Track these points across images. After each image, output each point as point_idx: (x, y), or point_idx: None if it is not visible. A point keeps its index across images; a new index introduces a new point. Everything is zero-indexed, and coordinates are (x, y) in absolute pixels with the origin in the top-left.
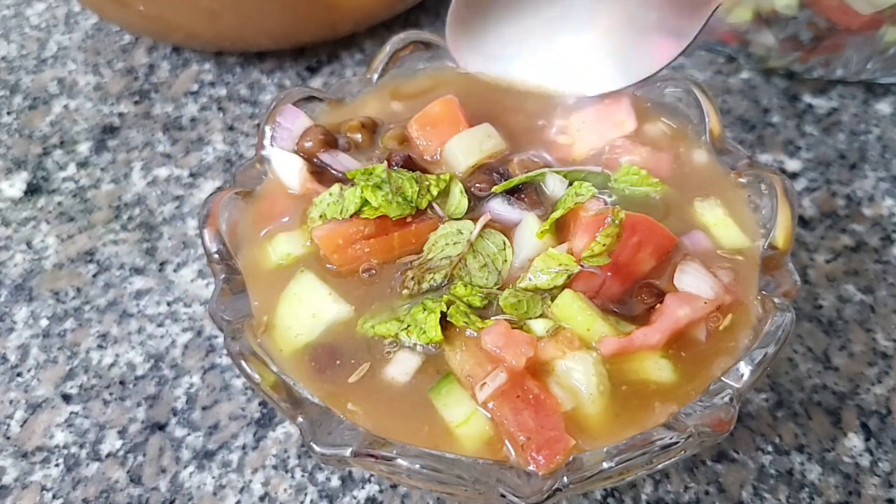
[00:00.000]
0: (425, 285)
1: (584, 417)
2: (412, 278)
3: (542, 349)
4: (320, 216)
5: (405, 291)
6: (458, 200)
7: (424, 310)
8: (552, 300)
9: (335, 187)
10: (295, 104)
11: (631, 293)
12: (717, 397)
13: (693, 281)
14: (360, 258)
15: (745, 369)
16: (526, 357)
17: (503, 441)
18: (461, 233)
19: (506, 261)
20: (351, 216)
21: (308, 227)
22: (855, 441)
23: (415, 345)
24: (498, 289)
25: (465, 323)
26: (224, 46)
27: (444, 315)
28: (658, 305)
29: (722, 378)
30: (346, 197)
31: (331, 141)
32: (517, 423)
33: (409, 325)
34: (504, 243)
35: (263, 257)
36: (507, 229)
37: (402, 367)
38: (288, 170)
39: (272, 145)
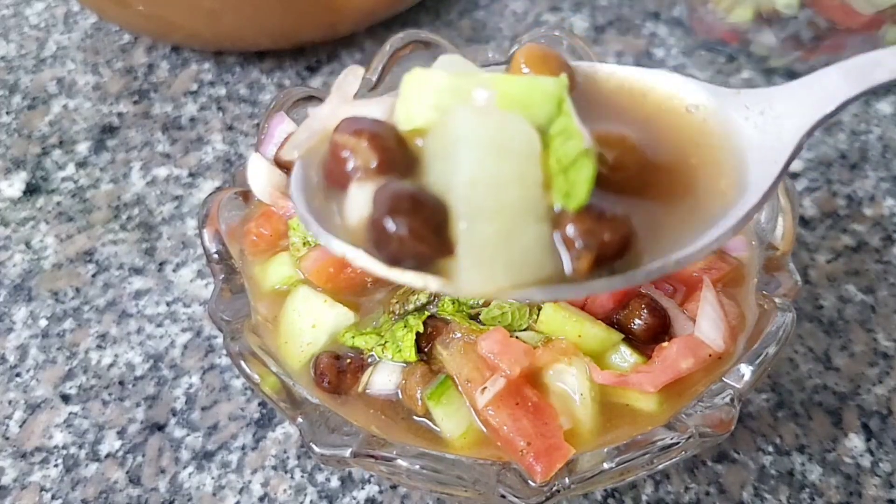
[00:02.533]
0: (410, 306)
1: (576, 423)
2: (396, 302)
3: (538, 356)
4: (304, 242)
5: (390, 315)
6: None
7: (405, 326)
8: (538, 311)
9: None
10: (294, 104)
11: (625, 305)
12: (718, 397)
13: (710, 329)
14: (354, 280)
15: (745, 370)
16: (520, 366)
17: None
18: None
19: None
20: None
21: (294, 255)
22: (856, 441)
23: (391, 359)
24: (484, 303)
25: (466, 327)
26: (224, 46)
27: (419, 335)
28: (664, 343)
29: (723, 378)
30: None
31: None
32: (516, 430)
33: (386, 342)
34: None
35: (263, 278)
36: None
37: (385, 376)
38: (255, 176)
39: (256, 150)
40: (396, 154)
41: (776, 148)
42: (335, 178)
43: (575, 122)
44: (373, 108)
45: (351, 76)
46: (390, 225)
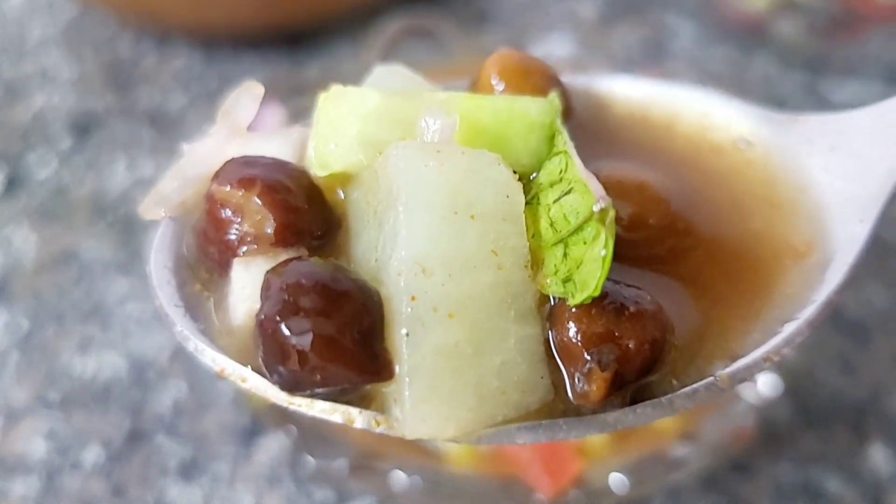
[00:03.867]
0: None
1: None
2: None
3: None
4: None
5: None
6: None
7: None
8: None
9: None
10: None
11: None
12: (735, 407)
13: None
14: None
15: (763, 378)
16: None
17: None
18: None
19: None
20: None
21: None
22: (876, 450)
23: None
24: None
25: None
26: (213, 31)
27: None
28: None
29: (739, 388)
30: None
31: None
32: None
33: None
34: None
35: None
36: None
37: None
38: None
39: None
40: (305, 215)
41: (859, 199)
42: (214, 252)
43: (577, 165)
44: (275, 145)
45: (245, 97)
46: (284, 332)
